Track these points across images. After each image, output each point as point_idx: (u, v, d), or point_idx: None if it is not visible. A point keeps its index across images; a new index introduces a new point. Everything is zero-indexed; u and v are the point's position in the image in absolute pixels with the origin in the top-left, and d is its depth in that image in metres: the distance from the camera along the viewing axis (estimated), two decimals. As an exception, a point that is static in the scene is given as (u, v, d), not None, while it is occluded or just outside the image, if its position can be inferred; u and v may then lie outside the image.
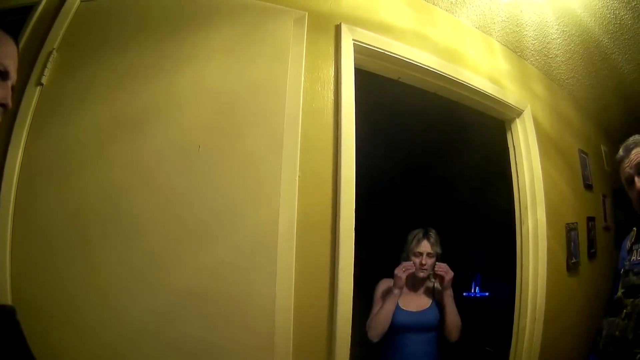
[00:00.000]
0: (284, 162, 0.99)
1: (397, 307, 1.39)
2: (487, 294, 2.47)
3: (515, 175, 1.58)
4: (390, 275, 1.46)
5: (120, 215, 0.94)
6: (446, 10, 1.43)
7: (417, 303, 1.42)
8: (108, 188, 0.96)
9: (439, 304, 1.42)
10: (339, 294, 1.01)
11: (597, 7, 1.44)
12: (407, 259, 1.46)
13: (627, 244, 1.05)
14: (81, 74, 1.02)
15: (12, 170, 0.93)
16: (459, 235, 1.61)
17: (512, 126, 1.61)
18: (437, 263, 1.42)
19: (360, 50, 1.17)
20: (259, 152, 0.99)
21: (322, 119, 1.08)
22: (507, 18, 1.48)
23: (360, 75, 1.18)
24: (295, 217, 0.98)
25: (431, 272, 1.43)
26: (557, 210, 1.65)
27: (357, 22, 1.20)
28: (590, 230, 1.88)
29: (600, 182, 2.07)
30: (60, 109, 0.99)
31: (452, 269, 1.45)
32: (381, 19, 1.26)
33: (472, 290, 2.49)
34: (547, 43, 1.62)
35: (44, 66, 1.00)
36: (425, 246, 1.43)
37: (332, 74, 1.12)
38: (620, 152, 0.99)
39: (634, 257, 0.99)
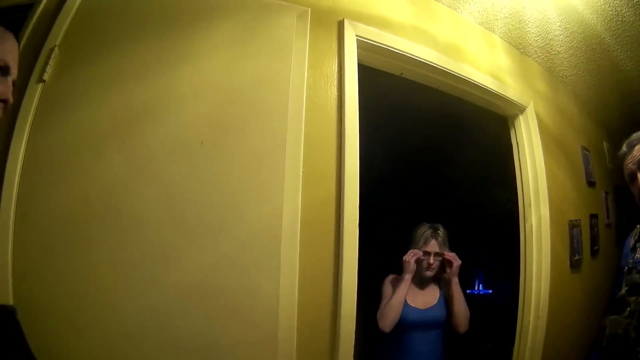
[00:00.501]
0: (287, 158, 0.99)
1: (405, 303, 1.39)
2: (490, 291, 2.47)
3: (519, 172, 1.58)
4: (394, 272, 1.46)
5: (122, 212, 0.94)
6: (449, 6, 1.43)
7: (423, 300, 1.41)
8: (110, 185, 0.95)
9: (446, 299, 1.42)
10: (342, 290, 1.00)
11: (599, 4, 1.44)
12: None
13: (631, 241, 1.05)
14: (83, 70, 1.02)
15: (14, 167, 0.92)
16: (462, 233, 1.60)
17: (516, 123, 1.61)
18: (446, 253, 1.41)
19: (363, 46, 1.17)
20: (262, 148, 0.99)
21: (325, 115, 1.08)
22: (510, 14, 1.48)
23: (362, 71, 1.17)
24: (299, 213, 0.98)
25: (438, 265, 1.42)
26: (560, 207, 1.64)
27: (360, 17, 1.20)
28: (593, 228, 1.88)
29: (602, 179, 2.07)
30: (62, 106, 0.99)
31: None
32: (384, 14, 1.26)
33: (475, 288, 2.49)
34: (550, 40, 1.62)
35: (46, 63, 0.99)
36: (433, 246, 1.42)
37: (335, 69, 1.11)
38: (624, 148, 0.99)
39: (638, 255, 0.98)
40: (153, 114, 0.99)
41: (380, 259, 1.58)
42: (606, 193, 2.09)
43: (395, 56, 1.24)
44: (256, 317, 0.93)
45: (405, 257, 1.39)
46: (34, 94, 0.98)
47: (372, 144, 1.33)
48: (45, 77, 0.99)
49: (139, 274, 0.91)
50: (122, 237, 0.93)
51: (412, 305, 1.39)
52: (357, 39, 1.15)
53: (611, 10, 1.47)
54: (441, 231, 1.46)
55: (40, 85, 0.99)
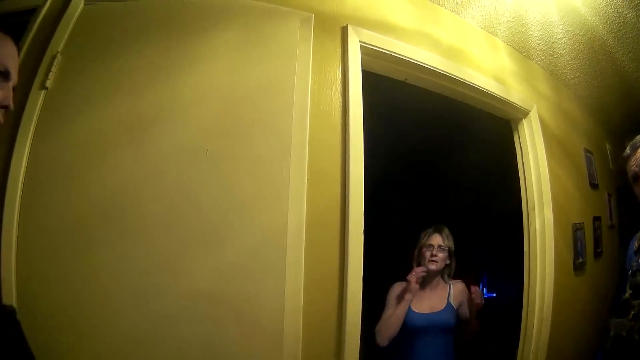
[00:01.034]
0: (292, 164, 0.98)
1: (410, 309, 1.38)
2: (494, 294, 2.47)
3: (523, 176, 1.58)
4: (398, 275, 1.45)
5: (127, 218, 0.94)
6: (452, 10, 1.43)
7: (429, 304, 1.40)
8: (114, 191, 0.95)
9: (454, 305, 1.41)
10: (348, 295, 1.00)
11: (601, 6, 1.44)
12: (419, 253, 1.45)
13: (635, 244, 1.05)
14: (86, 77, 1.02)
15: (18, 173, 0.93)
16: (466, 235, 1.60)
17: (519, 126, 1.61)
18: (472, 287, 1.38)
19: (367, 52, 1.17)
20: (267, 154, 0.99)
21: (329, 121, 1.08)
22: (513, 18, 1.48)
23: (365, 75, 1.17)
24: (304, 219, 0.97)
25: (442, 267, 1.42)
26: (564, 210, 1.64)
27: (364, 23, 1.19)
28: (596, 230, 1.88)
29: (605, 181, 2.07)
30: (65, 113, 0.99)
31: (458, 269, 1.45)
32: (387, 20, 1.26)
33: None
34: (552, 43, 1.62)
35: (48, 69, 0.99)
36: (436, 239, 1.43)
37: (340, 75, 1.11)
38: (627, 150, 0.99)
39: None
40: (157, 121, 0.99)
41: (384, 262, 1.57)
42: (609, 195, 2.09)
43: (399, 62, 1.23)
44: (262, 322, 0.93)
45: (409, 277, 1.36)
46: (37, 100, 0.98)
47: (377, 148, 1.33)
48: (48, 84, 0.98)
49: (144, 280, 0.91)
50: (127, 243, 0.92)
51: (416, 310, 1.38)
52: (360, 44, 1.15)
53: (613, 12, 1.47)
54: (445, 228, 1.47)
55: (42, 92, 0.99)
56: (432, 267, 1.41)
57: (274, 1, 1.10)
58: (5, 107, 0.59)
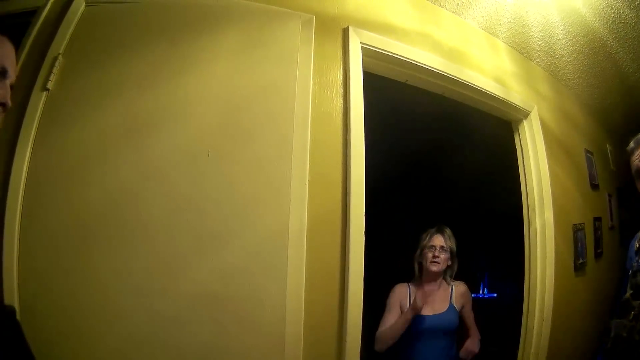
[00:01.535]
0: (293, 166, 0.98)
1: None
2: (494, 295, 2.46)
3: (523, 176, 1.58)
4: (399, 276, 1.45)
5: (128, 220, 0.94)
6: (452, 12, 1.43)
7: (431, 306, 1.39)
8: (115, 193, 0.95)
9: (456, 307, 1.41)
10: (349, 296, 1.01)
11: (602, 6, 1.44)
12: (421, 254, 1.45)
13: (635, 244, 1.05)
14: (87, 78, 1.01)
15: (20, 174, 0.92)
16: (467, 236, 1.60)
17: (520, 127, 1.61)
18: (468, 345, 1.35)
19: (368, 53, 1.17)
20: (269, 156, 0.99)
21: (331, 123, 1.08)
22: (513, 19, 1.48)
23: (366, 76, 1.17)
24: (306, 220, 0.98)
25: (444, 269, 1.42)
26: (564, 210, 1.64)
27: (364, 24, 1.19)
28: (596, 231, 1.88)
29: (606, 181, 2.07)
30: (66, 114, 0.99)
31: (460, 270, 1.45)
32: (388, 21, 1.26)
33: (480, 292, 2.49)
34: (553, 43, 1.62)
35: (50, 71, 0.99)
36: (438, 240, 1.43)
37: (341, 77, 1.12)
38: (631, 144, 0.99)
39: None
40: (159, 123, 0.99)
41: (385, 263, 1.57)
42: (610, 196, 2.09)
43: (400, 63, 1.24)
44: (263, 323, 0.93)
45: (417, 297, 1.31)
46: (38, 102, 0.98)
47: (378, 149, 1.33)
48: (50, 85, 0.98)
49: (146, 281, 0.91)
50: (128, 245, 0.93)
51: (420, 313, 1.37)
52: (361, 46, 1.15)
53: (613, 12, 1.47)
54: (447, 229, 1.47)
55: (44, 94, 0.98)
56: (434, 268, 1.40)
57: (275, 3, 1.10)
58: (3, 105, 0.59)
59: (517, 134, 1.62)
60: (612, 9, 1.44)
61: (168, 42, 1.04)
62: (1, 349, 0.51)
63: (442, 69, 1.30)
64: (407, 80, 1.32)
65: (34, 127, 0.96)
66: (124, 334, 0.88)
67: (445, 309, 1.39)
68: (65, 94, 0.99)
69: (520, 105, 1.55)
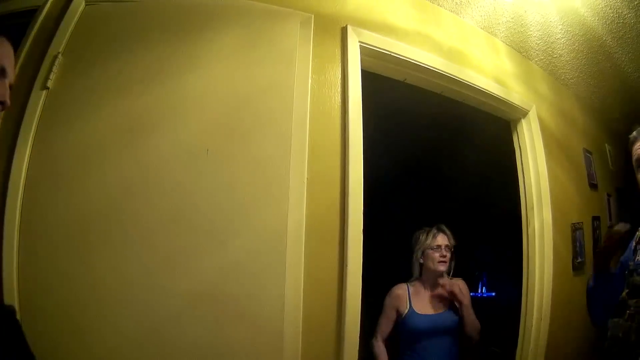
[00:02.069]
0: (292, 164, 0.99)
1: (413, 311, 1.38)
2: (493, 293, 2.47)
3: (522, 175, 1.58)
4: (397, 276, 1.45)
5: (128, 219, 0.94)
6: (451, 11, 1.43)
7: (433, 305, 1.39)
8: (115, 191, 0.96)
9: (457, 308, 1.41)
10: (347, 295, 1.01)
11: (600, 6, 1.44)
12: (423, 255, 1.44)
13: (632, 243, 1.05)
14: (87, 77, 1.02)
15: (19, 173, 0.93)
16: (465, 235, 1.61)
17: (518, 127, 1.61)
18: (441, 282, 1.37)
19: (367, 52, 1.17)
20: (267, 155, 0.99)
21: (329, 121, 1.08)
22: (512, 18, 1.48)
23: (365, 75, 1.18)
24: (304, 219, 0.98)
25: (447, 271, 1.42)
26: (563, 210, 1.64)
27: (363, 23, 1.20)
28: (595, 230, 1.88)
29: (604, 181, 2.07)
30: (66, 113, 0.99)
31: (458, 269, 1.45)
32: (387, 20, 1.26)
33: (479, 291, 2.49)
34: (552, 43, 1.62)
35: (50, 70, 1.00)
36: (442, 239, 1.42)
37: (339, 76, 1.12)
38: (634, 133, 0.98)
39: (639, 257, 0.98)
40: (158, 121, 0.99)
41: (384, 262, 1.57)
42: (608, 195, 2.09)
43: (399, 62, 1.24)
44: (262, 322, 0.93)
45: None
46: (38, 101, 0.98)
47: (376, 149, 1.33)
48: (49, 84, 0.99)
49: (145, 280, 0.91)
50: (127, 243, 0.93)
51: (420, 312, 1.37)
52: (360, 45, 1.15)
53: (612, 12, 1.47)
54: (446, 228, 1.47)
55: (44, 92, 0.99)
56: (443, 268, 1.40)
57: (274, 2, 1.10)
58: (2, 104, 0.59)
59: (516, 133, 1.62)
60: (611, 8, 1.44)
61: (167, 41, 1.04)
62: (1, 349, 0.51)
63: (440, 68, 1.31)
64: (405, 79, 1.32)
65: (34, 126, 0.96)
66: (124, 333, 0.88)
67: (446, 308, 1.39)
68: (65, 92, 1.00)
69: (519, 104, 1.55)
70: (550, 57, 1.72)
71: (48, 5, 1.07)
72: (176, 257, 0.93)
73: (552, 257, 1.51)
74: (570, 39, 1.60)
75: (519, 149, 1.60)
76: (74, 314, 0.88)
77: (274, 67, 1.04)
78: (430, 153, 2.36)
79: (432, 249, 1.42)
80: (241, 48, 1.05)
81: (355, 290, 1.02)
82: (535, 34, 1.57)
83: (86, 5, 1.08)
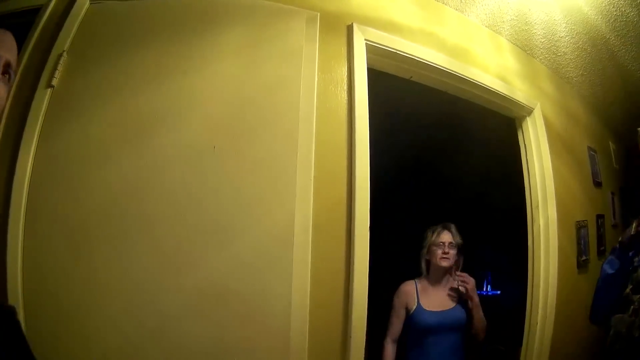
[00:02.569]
0: (299, 162, 0.99)
1: (420, 307, 1.38)
2: (498, 292, 2.47)
3: (527, 173, 1.58)
4: (404, 274, 1.45)
5: (133, 217, 0.94)
6: (456, 9, 1.43)
7: (440, 302, 1.40)
8: (120, 189, 0.95)
9: (465, 305, 1.41)
10: (354, 293, 1.01)
11: (604, 4, 1.44)
12: (428, 251, 1.46)
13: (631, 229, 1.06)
14: (92, 75, 1.02)
15: (24, 172, 0.93)
16: (470, 233, 1.60)
17: (523, 124, 1.61)
18: (458, 273, 1.38)
19: (373, 50, 1.17)
20: (274, 153, 0.99)
21: (336, 119, 1.08)
22: (516, 16, 1.48)
23: (370, 73, 1.17)
24: (311, 217, 0.98)
25: (454, 266, 1.42)
26: (568, 208, 1.65)
27: (369, 21, 1.20)
28: (599, 228, 1.88)
29: (609, 179, 2.07)
30: (71, 111, 0.99)
31: (463, 267, 1.45)
32: (392, 18, 1.26)
33: (484, 289, 2.49)
34: (556, 41, 1.62)
35: (54, 68, 1.00)
36: (446, 236, 1.43)
37: (345, 73, 1.12)
38: None
39: None
40: (164, 119, 0.99)
41: (391, 260, 1.57)
42: (612, 194, 2.10)
43: (404, 60, 1.24)
44: (268, 320, 0.93)
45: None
46: (43, 99, 0.98)
47: (382, 147, 1.33)
48: (54, 82, 0.99)
49: (150, 278, 0.91)
50: (133, 242, 0.93)
51: (427, 309, 1.37)
52: (366, 43, 1.15)
53: (616, 10, 1.47)
54: (453, 225, 1.48)
55: (49, 91, 0.99)
56: (445, 263, 1.41)
57: (280, 0, 1.10)
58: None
59: (521, 131, 1.63)
60: (614, 7, 1.45)
61: (172, 39, 1.04)
62: (1, 349, 0.51)
63: (445, 66, 1.31)
64: (411, 76, 1.32)
65: (39, 124, 0.96)
66: (128, 332, 0.88)
67: (453, 305, 1.39)
68: (69, 90, 1.00)
69: (524, 102, 1.56)
70: (554, 55, 1.73)
71: (52, 3, 1.07)
72: (181, 256, 0.93)
73: (557, 255, 1.51)
74: (574, 37, 1.60)
75: (524, 147, 1.60)
76: (77, 314, 0.88)
77: (280, 65, 1.04)
78: (435, 151, 2.36)
79: (436, 246, 1.44)
80: (247, 46, 1.05)
81: (362, 288, 1.02)
82: (539, 32, 1.57)
83: (91, 3, 1.07)
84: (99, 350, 0.87)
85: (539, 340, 1.45)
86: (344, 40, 1.14)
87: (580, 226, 1.71)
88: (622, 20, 1.52)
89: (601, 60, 1.76)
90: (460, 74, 1.34)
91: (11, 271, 0.87)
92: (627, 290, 1.00)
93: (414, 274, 1.50)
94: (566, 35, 1.59)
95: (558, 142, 1.69)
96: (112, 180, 0.95)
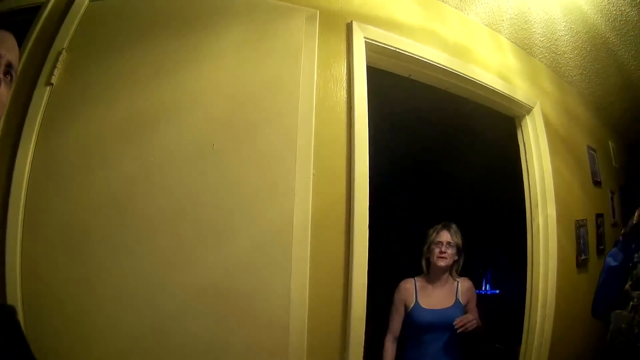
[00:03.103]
0: (298, 159, 0.99)
1: (418, 305, 1.39)
2: (497, 291, 2.47)
3: (526, 172, 1.59)
4: (404, 273, 1.45)
5: (133, 215, 0.94)
6: (455, 7, 1.43)
7: (438, 300, 1.40)
8: (119, 187, 0.95)
9: (462, 301, 1.41)
10: (353, 290, 1.01)
11: (603, 3, 1.44)
12: (428, 250, 1.46)
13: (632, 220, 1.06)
14: (92, 73, 1.02)
15: (22, 170, 0.93)
16: (470, 232, 1.61)
17: (522, 123, 1.62)
18: (456, 321, 1.33)
19: (372, 48, 1.17)
20: (273, 150, 0.99)
21: (335, 117, 1.08)
22: (516, 15, 1.48)
23: (370, 71, 1.17)
24: (310, 215, 0.98)
25: (451, 263, 1.43)
26: (567, 207, 1.65)
27: (368, 19, 1.20)
28: (599, 227, 1.88)
29: (608, 178, 2.07)
30: (71, 109, 0.99)
31: (462, 266, 1.46)
32: (392, 16, 1.26)
33: (483, 288, 2.49)
34: (555, 40, 1.62)
35: (54, 66, 1.00)
36: (445, 236, 1.44)
37: (344, 71, 1.12)
38: None
39: None
40: (163, 117, 0.99)
41: (390, 258, 1.57)
42: (612, 193, 2.09)
43: (403, 58, 1.24)
44: (267, 318, 0.93)
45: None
46: (42, 97, 0.98)
47: (381, 145, 1.33)
48: (54, 80, 0.99)
49: (150, 276, 0.91)
50: (132, 240, 0.93)
51: (425, 307, 1.38)
52: (365, 40, 1.15)
53: (615, 9, 1.47)
54: (453, 225, 1.48)
55: (48, 89, 0.99)
56: (442, 263, 1.41)
57: (279, -2, 1.10)
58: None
59: (520, 129, 1.63)
60: (614, 6, 1.45)
61: (171, 37, 1.04)
62: (1, 349, 0.51)
63: (445, 64, 1.31)
64: (410, 75, 1.32)
65: (38, 122, 0.96)
66: (127, 330, 0.88)
67: (451, 304, 1.40)
68: (69, 88, 1.00)
69: (523, 101, 1.56)
70: (553, 54, 1.73)
71: (52, 1, 1.07)
72: (181, 253, 0.93)
73: (556, 254, 1.51)
74: (574, 36, 1.60)
75: (523, 146, 1.60)
76: (77, 312, 0.88)
77: (280, 62, 1.04)
78: (434, 150, 2.36)
79: (435, 245, 1.44)
80: (246, 44, 1.05)
81: (361, 286, 1.02)
82: (539, 31, 1.57)
83: (90, 1, 1.07)
84: (98, 349, 0.87)
85: (538, 339, 1.45)
86: (343, 38, 1.14)
87: (580, 225, 1.71)
88: (622, 19, 1.52)
89: (601, 59, 1.76)
90: (460, 72, 1.34)
91: (10, 271, 0.87)
92: (627, 286, 1.00)
93: (414, 274, 1.50)
94: (566, 34, 1.59)
95: (557, 141, 1.69)
96: (111, 179, 0.95)
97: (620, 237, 1.09)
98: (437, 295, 1.42)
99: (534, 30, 1.56)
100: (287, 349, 0.92)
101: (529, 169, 1.57)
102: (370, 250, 1.05)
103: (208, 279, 0.92)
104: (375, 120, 1.19)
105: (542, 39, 1.61)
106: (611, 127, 2.29)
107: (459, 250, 1.45)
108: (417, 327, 1.36)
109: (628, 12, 1.49)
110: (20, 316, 0.81)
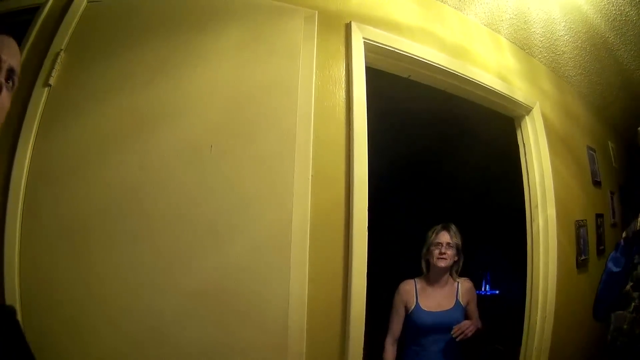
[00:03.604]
0: (296, 161, 0.98)
1: (418, 307, 1.39)
2: (497, 291, 2.47)
3: (526, 173, 1.58)
4: (404, 274, 1.45)
5: (130, 216, 0.94)
6: (454, 7, 1.43)
7: (438, 302, 1.40)
8: (117, 188, 0.95)
9: (462, 303, 1.41)
10: (352, 291, 1.00)
11: (603, 3, 1.44)
12: (428, 251, 1.46)
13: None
14: (89, 74, 1.01)
15: (21, 171, 0.92)
16: (469, 233, 1.60)
17: (522, 123, 1.61)
18: (454, 330, 1.34)
19: (371, 49, 1.17)
20: (272, 152, 0.99)
21: (334, 118, 1.08)
22: (515, 15, 1.48)
23: (369, 72, 1.17)
24: (309, 216, 0.97)
25: (451, 264, 1.43)
26: (567, 207, 1.64)
27: (367, 20, 1.19)
28: (599, 227, 1.88)
29: (608, 178, 2.07)
30: (69, 110, 0.99)
31: (462, 266, 1.45)
32: (390, 16, 1.26)
33: (483, 289, 2.49)
34: (555, 40, 1.62)
35: (52, 67, 0.99)
36: (444, 236, 1.44)
37: (343, 72, 1.11)
38: None
39: None
40: (161, 118, 0.99)
41: (390, 260, 1.57)
42: (612, 193, 2.09)
43: (403, 58, 1.23)
44: (266, 320, 0.93)
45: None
46: (40, 98, 0.98)
47: (380, 147, 1.33)
48: (52, 81, 0.98)
49: (148, 278, 0.91)
50: (130, 241, 0.92)
51: (425, 309, 1.38)
52: (364, 41, 1.15)
53: (615, 9, 1.47)
54: (453, 226, 1.48)
55: (46, 90, 0.98)
56: (442, 264, 1.41)
57: (278, -2, 1.10)
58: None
59: (520, 130, 1.62)
60: (613, 6, 1.44)
61: (170, 38, 1.03)
62: (1, 349, 0.51)
63: (444, 64, 1.30)
64: (409, 75, 1.32)
65: (36, 123, 0.95)
66: (125, 332, 0.88)
67: (451, 306, 1.40)
68: (67, 90, 0.99)
69: (523, 101, 1.55)
70: (553, 54, 1.72)
71: (50, 2, 1.06)
72: (179, 255, 0.92)
73: (556, 255, 1.51)
74: (573, 36, 1.60)
75: (522, 146, 1.60)
76: (75, 314, 0.88)
77: (278, 63, 1.04)
78: (434, 151, 2.36)
79: (434, 246, 1.44)
80: (245, 44, 1.05)
81: (360, 288, 1.02)
82: (538, 31, 1.56)
83: (88, 2, 1.07)
84: (97, 350, 0.87)
85: (538, 339, 1.45)
86: (342, 38, 1.14)
87: (580, 225, 1.71)
88: (622, 19, 1.52)
89: (600, 59, 1.76)
90: (459, 72, 1.34)
91: (9, 271, 0.86)
92: (628, 287, 1.00)
93: (414, 274, 1.50)
94: (565, 34, 1.59)
95: (557, 141, 1.68)
96: (109, 180, 0.95)
97: (622, 241, 1.09)
98: (438, 296, 1.41)
99: (533, 30, 1.56)
100: (286, 351, 0.92)
101: (528, 170, 1.57)
102: (370, 250, 1.05)
103: (207, 280, 0.92)
104: (374, 121, 1.18)
105: (541, 39, 1.61)
106: (611, 127, 2.29)
107: (459, 251, 1.45)
108: (417, 329, 1.36)
109: (628, 12, 1.48)
110: (19, 317, 0.80)
